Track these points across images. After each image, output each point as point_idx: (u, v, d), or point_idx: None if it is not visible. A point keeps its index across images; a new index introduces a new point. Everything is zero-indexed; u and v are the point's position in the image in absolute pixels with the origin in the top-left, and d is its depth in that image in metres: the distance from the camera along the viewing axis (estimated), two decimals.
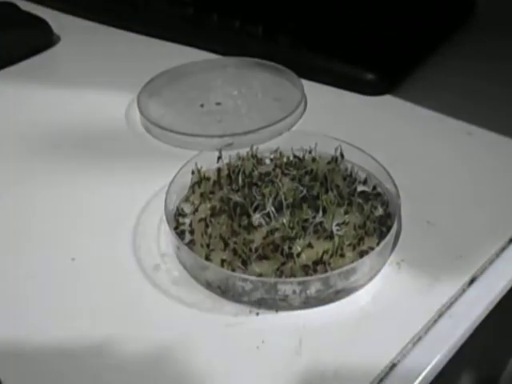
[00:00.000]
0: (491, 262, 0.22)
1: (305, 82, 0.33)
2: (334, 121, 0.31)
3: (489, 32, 0.38)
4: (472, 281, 0.22)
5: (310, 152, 0.27)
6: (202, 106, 0.32)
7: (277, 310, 0.21)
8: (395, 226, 0.22)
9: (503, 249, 0.23)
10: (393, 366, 0.19)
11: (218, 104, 0.32)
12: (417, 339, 0.20)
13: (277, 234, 0.22)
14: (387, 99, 0.33)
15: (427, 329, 0.20)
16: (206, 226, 0.23)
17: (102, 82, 0.35)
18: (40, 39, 0.39)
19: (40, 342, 0.20)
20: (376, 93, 0.33)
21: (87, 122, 0.32)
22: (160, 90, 0.33)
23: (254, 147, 0.27)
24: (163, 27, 0.39)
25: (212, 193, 0.25)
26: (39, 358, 0.19)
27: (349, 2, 0.39)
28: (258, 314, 0.21)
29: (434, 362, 0.19)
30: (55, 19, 0.41)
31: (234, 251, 0.22)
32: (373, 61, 0.33)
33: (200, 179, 0.26)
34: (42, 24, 0.39)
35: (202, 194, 0.25)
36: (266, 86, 0.34)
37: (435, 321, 0.20)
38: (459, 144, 0.29)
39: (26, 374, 0.19)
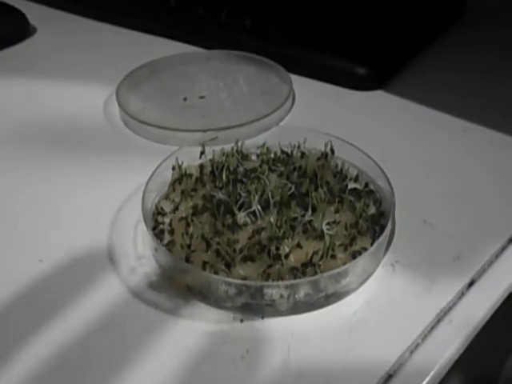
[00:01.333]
0: (491, 263, 0.21)
1: (293, 76, 0.31)
2: (323, 116, 0.30)
3: (481, 28, 0.37)
4: (471, 283, 0.20)
5: (298, 147, 0.26)
6: (184, 99, 0.31)
7: (263, 317, 0.19)
8: (389, 226, 0.21)
9: (503, 249, 0.22)
10: (389, 376, 0.18)
11: (202, 97, 0.31)
12: (414, 347, 0.18)
13: (263, 234, 0.21)
14: (379, 94, 0.31)
15: (425, 335, 0.19)
16: (187, 225, 0.22)
17: (79, 75, 0.34)
18: (14, 29, 0.38)
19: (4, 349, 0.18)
20: (367, 88, 0.32)
21: (63, 115, 0.30)
22: (140, 82, 0.32)
23: (239, 142, 0.26)
24: (145, 19, 0.38)
25: (194, 190, 0.23)
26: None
27: None
28: (242, 320, 0.19)
29: (433, 372, 0.18)
30: (32, 10, 0.39)
31: (217, 252, 0.20)
32: (364, 55, 0.32)
33: (181, 176, 0.24)
34: (17, 14, 0.38)
35: (183, 192, 0.23)
36: (252, 79, 0.32)
37: (433, 326, 0.19)
38: (454, 140, 0.28)
39: None
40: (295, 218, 0.21)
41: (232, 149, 0.25)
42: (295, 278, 0.19)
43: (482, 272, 0.21)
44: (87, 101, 0.31)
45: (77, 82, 0.33)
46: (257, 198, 0.22)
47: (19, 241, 0.23)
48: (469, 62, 0.34)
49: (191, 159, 0.25)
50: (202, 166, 0.25)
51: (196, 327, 0.19)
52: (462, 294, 0.20)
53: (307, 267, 0.20)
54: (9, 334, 0.19)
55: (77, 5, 0.40)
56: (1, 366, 0.18)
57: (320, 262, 0.20)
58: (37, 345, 0.18)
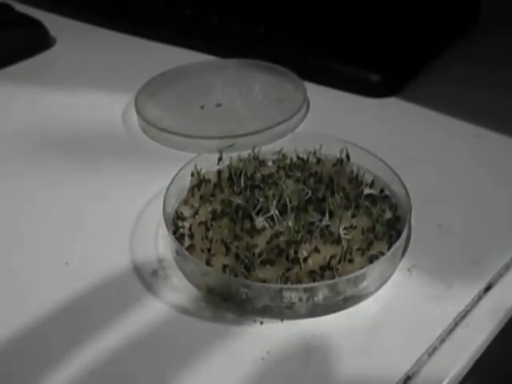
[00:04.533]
0: (508, 267, 0.21)
1: (307, 84, 0.32)
2: (337, 123, 0.30)
3: (494, 36, 0.37)
4: (488, 288, 0.21)
5: (314, 153, 0.26)
6: (201, 107, 0.31)
7: (282, 319, 0.20)
8: (406, 230, 0.21)
9: None
10: (407, 378, 0.18)
11: (219, 105, 0.32)
12: (432, 350, 0.19)
13: (281, 238, 0.21)
14: (392, 101, 0.32)
15: (443, 338, 0.19)
16: (207, 229, 0.22)
17: (98, 84, 0.34)
18: (35, 41, 0.39)
19: (34, 348, 0.19)
20: (380, 95, 0.32)
21: (84, 123, 0.31)
22: (158, 91, 0.32)
23: (256, 149, 0.26)
24: (163, 29, 0.39)
25: (212, 195, 0.24)
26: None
27: (354, 3, 0.38)
28: (262, 322, 0.20)
29: (451, 375, 0.18)
30: (51, 21, 0.40)
31: (237, 256, 0.21)
32: (378, 62, 0.33)
33: (200, 181, 0.25)
34: (37, 25, 0.39)
35: (201, 197, 0.24)
36: (267, 87, 0.33)
37: (451, 330, 0.19)
38: (468, 146, 0.28)
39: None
40: (313, 223, 0.22)
41: (249, 155, 0.26)
42: (314, 281, 0.20)
43: (498, 276, 0.21)
44: (106, 109, 0.32)
45: (96, 91, 0.34)
46: (274, 203, 0.22)
47: (45, 244, 0.23)
48: (481, 71, 0.34)
49: (209, 165, 0.25)
50: (219, 172, 0.25)
51: (217, 329, 0.19)
52: (478, 298, 0.20)
53: (325, 271, 0.20)
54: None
55: (96, 16, 0.41)
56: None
57: (338, 266, 0.20)
58: (58, 345, 0.19)
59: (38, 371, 0.18)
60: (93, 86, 0.34)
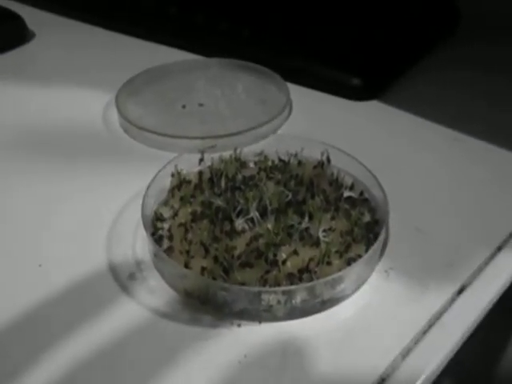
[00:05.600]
0: (480, 270, 0.22)
1: (290, 85, 0.32)
2: (319, 125, 0.30)
3: (474, 41, 0.38)
4: (461, 289, 0.21)
5: (295, 156, 0.26)
6: (183, 106, 0.31)
7: (260, 322, 0.20)
8: (383, 233, 0.22)
9: (492, 256, 0.22)
10: (382, 380, 0.18)
11: (201, 105, 0.31)
12: (407, 351, 0.19)
13: (261, 241, 0.21)
14: (373, 104, 0.32)
15: (417, 340, 0.19)
16: (186, 231, 0.22)
17: (78, 81, 0.34)
18: (13, 34, 0.38)
19: (4, 352, 0.18)
20: (362, 98, 0.32)
21: (62, 121, 0.31)
22: (140, 89, 0.32)
23: (238, 150, 0.26)
24: (145, 26, 0.38)
25: (193, 197, 0.24)
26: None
27: (337, 7, 0.38)
28: (239, 325, 0.20)
29: (425, 375, 0.18)
30: (30, 15, 0.39)
31: (216, 258, 0.21)
32: (359, 66, 0.33)
33: (180, 182, 0.25)
34: (15, 18, 0.38)
35: (182, 198, 0.24)
36: (250, 88, 0.33)
37: (425, 331, 0.19)
38: (446, 150, 0.29)
39: None
40: (292, 225, 0.22)
41: (230, 156, 0.26)
42: (292, 283, 0.20)
43: (472, 278, 0.21)
44: (86, 107, 0.32)
45: (76, 88, 0.33)
46: (254, 205, 0.22)
47: (18, 245, 0.23)
48: (462, 75, 0.35)
49: (190, 166, 0.25)
50: (200, 173, 0.25)
51: (194, 332, 0.19)
52: (453, 300, 0.21)
53: (304, 273, 0.20)
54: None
55: (76, 10, 0.40)
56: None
57: (316, 269, 0.20)
58: (31, 349, 0.19)
59: (7, 377, 0.18)
60: (72, 83, 0.34)
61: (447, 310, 0.20)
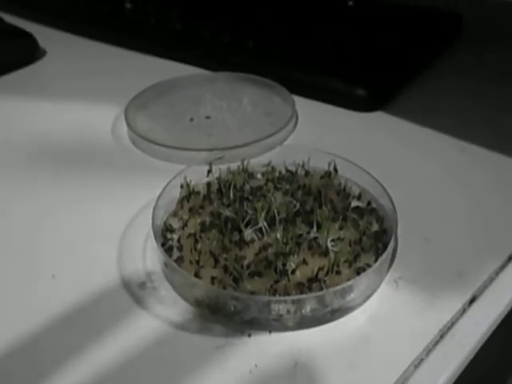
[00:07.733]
0: (491, 280, 0.22)
1: (296, 97, 0.32)
2: (325, 137, 0.31)
3: (477, 49, 0.38)
4: (473, 299, 0.21)
5: (302, 166, 0.26)
6: (191, 119, 0.32)
7: (270, 331, 0.20)
8: (392, 243, 0.22)
9: (503, 266, 0.22)
10: None
11: (208, 118, 0.32)
12: (418, 362, 0.19)
13: (270, 250, 0.21)
14: (379, 116, 0.33)
15: (429, 350, 0.19)
16: (196, 241, 0.22)
17: (88, 96, 0.35)
18: (24, 52, 0.39)
19: (20, 364, 0.18)
20: (367, 109, 0.33)
21: (73, 135, 0.31)
22: (148, 103, 0.33)
23: (245, 161, 0.26)
24: (151, 42, 0.39)
25: (201, 207, 0.24)
26: None
27: (342, 19, 0.39)
28: (250, 335, 0.20)
29: None
30: (41, 33, 0.40)
31: (225, 268, 0.21)
32: (364, 77, 0.33)
33: (189, 193, 0.25)
34: (27, 37, 0.39)
35: (191, 209, 0.24)
36: (256, 100, 0.33)
37: (437, 342, 0.19)
38: (453, 160, 0.29)
39: None
40: (301, 235, 0.22)
41: (238, 167, 0.26)
42: (301, 293, 0.20)
43: (483, 288, 0.21)
44: (96, 121, 0.32)
45: (86, 104, 0.34)
46: (263, 215, 0.22)
47: (30, 257, 0.23)
48: (465, 85, 0.35)
49: (198, 177, 0.26)
50: (209, 184, 0.25)
51: (205, 341, 0.19)
52: (464, 310, 0.20)
53: (313, 283, 0.20)
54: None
55: (86, 28, 0.41)
56: None
57: (325, 278, 0.20)
58: (46, 360, 0.19)
59: None
60: (82, 99, 0.34)
61: (458, 321, 0.20)
